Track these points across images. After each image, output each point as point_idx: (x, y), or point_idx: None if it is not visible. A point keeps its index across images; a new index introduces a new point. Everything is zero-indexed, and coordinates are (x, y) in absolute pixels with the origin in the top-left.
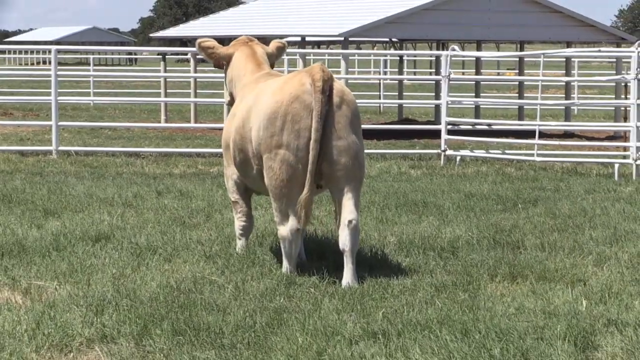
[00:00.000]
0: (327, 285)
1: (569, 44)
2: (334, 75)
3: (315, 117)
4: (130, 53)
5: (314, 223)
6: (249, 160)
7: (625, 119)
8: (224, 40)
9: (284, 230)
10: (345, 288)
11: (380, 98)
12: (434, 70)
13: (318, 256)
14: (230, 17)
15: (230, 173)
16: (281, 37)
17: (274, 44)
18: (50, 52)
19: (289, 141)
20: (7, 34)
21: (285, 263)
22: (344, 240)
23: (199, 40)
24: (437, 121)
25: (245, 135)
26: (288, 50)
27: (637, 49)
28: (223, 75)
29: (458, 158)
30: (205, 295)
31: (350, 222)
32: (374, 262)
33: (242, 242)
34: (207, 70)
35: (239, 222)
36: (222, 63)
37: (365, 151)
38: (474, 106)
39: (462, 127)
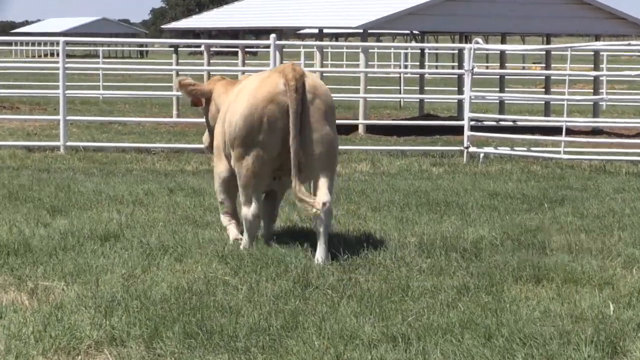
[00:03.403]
0: (344, 287)
1: (597, 37)
2: (352, 68)
3: (292, 115)
4: (141, 45)
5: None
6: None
7: None
8: (239, 33)
9: (247, 212)
10: (318, 262)
11: (400, 93)
12: (456, 64)
13: (334, 254)
14: (245, 8)
15: (219, 171)
16: (298, 28)
17: None
18: (58, 44)
19: (264, 140)
20: (14, 25)
21: (245, 238)
22: (319, 221)
23: (179, 79)
24: (459, 117)
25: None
26: (305, 42)
27: None
28: (232, 76)
29: (481, 155)
30: (218, 297)
31: (324, 204)
32: (393, 263)
33: (247, 239)
34: (221, 64)
35: (225, 220)
36: (200, 100)
37: (385, 148)
38: (498, 101)
39: (486, 123)
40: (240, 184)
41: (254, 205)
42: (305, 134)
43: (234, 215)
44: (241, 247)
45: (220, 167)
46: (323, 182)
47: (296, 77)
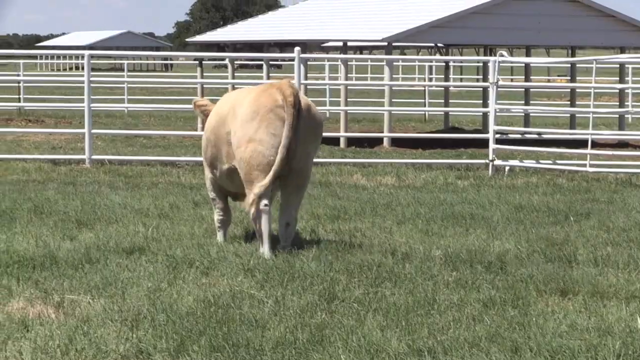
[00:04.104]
0: (370, 301)
1: (622, 50)
2: (377, 81)
3: (287, 126)
4: (165, 58)
5: (357, 236)
6: (221, 157)
7: None
8: (264, 45)
9: (252, 209)
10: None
11: (425, 105)
12: (481, 76)
13: (359, 267)
14: (270, 22)
15: (207, 173)
16: (322, 42)
17: None
18: (83, 57)
19: (261, 137)
20: (39, 38)
21: (259, 238)
22: (282, 234)
23: (194, 100)
24: (484, 130)
25: (220, 136)
26: (329, 55)
27: None
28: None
29: (507, 168)
30: (244, 310)
31: (288, 224)
32: (419, 277)
33: (221, 234)
34: (245, 77)
35: (217, 216)
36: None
37: (411, 160)
38: (523, 114)
39: (511, 136)
40: (245, 183)
41: (262, 201)
42: (296, 147)
43: (226, 211)
44: (261, 252)
45: (207, 171)
46: (293, 199)
47: (294, 94)
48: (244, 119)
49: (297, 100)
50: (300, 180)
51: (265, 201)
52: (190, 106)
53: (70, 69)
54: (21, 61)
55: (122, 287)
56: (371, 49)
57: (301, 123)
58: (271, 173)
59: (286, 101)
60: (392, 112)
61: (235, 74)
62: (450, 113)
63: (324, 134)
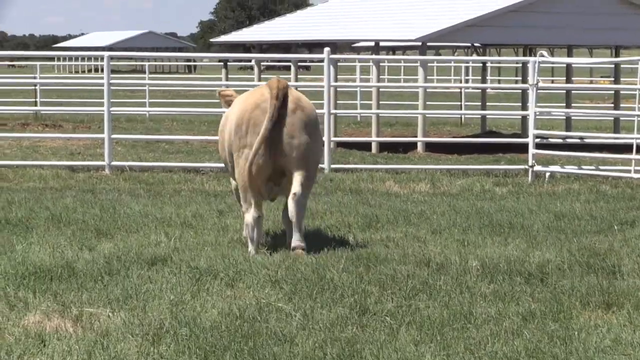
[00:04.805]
0: (403, 314)
1: None
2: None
3: (267, 116)
4: (189, 60)
5: (389, 245)
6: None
7: None
8: (292, 46)
9: (249, 217)
10: (296, 249)
11: (461, 109)
12: (520, 78)
13: (392, 279)
14: (297, 21)
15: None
16: (352, 42)
17: None
18: (102, 58)
19: (251, 142)
20: (56, 39)
21: (250, 247)
22: (291, 210)
23: (218, 90)
24: (524, 134)
25: (224, 138)
26: (361, 56)
27: None
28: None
29: (547, 174)
30: (271, 324)
31: (294, 194)
32: (455, 289)
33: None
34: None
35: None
36: None
37: (446, 167)
38: (564, 117)
39: (552, 140)
40: (239, 189)
41: (253, 209)
42: (283, 139)
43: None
44: (249, 251)
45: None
46: (297, 176)
47: (278, 87)
48: (234, 120)
49: (280, 94)
50: (300, 164)
51: (257, 213)
52: (215, 110)
53: (89, 71)
54: (38, 63)
55: (143, 299)
56: (404, 50)
57: (288, 117)
58: (251, 155)
59: (271, 93)
60: (427, 115)
61: (262, 76)
62: (487, 116)
63: (355, 139)
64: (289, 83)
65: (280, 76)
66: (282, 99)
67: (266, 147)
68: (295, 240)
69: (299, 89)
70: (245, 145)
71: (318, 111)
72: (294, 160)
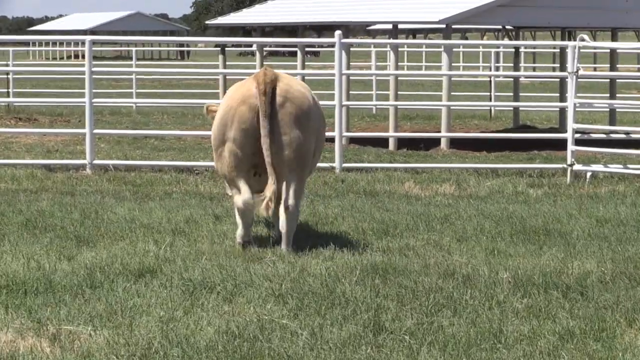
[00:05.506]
0: (424, 333)
1: None
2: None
3: (261, 115)
4: (181, 45)
5: (408, 254)
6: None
7: None
8: (298, 29)
9: (239, 201)
10: (283, 252)
11: (490, 100)
12: (558, 65)
13: (411, 292)
14: (305, 1)
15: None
16: (368, 24)
17: None
18: (83, 43)
19: (235, 136)
20: (32, 22)
21: (239, 229)
22: (282, 222)
23: (206, 105)
24: (562, 129)
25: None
26: (377, 40)
27: None
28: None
29: (589, 174)
30: (274, 344)
31: (287, 207)
32: (483, 304)
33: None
34: (276, 66)
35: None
36: None
37: (473, 165)
38: (608, 110)
39: (594, 135)
40: (226, 180)
41: (243, 193)
42: (274, 136)
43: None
44: (237, 235)
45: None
46: (288, 185)
47: (266, 81)
48: (220, 114)
49: (268, 88)
50: (292, 165)
51: (250, 197)
52: (211, 101)
53: (69, 57)
54: (10, 49)
55: (130, 316)
56: (426, 33)
57: (279, 111)
58: (268, 169)
59: (258, 89)
60: (451, 107)
61: (265, 63)
62: (520, 108)
63: (370, 134)
64: (295, 71)
65: (283, 66)
66: (270, 93)
67: (255, 143)
68: (284, 248)
69: (306, 77)
70: (229, 139)
71: (328, 102)
72: (284, 160)
